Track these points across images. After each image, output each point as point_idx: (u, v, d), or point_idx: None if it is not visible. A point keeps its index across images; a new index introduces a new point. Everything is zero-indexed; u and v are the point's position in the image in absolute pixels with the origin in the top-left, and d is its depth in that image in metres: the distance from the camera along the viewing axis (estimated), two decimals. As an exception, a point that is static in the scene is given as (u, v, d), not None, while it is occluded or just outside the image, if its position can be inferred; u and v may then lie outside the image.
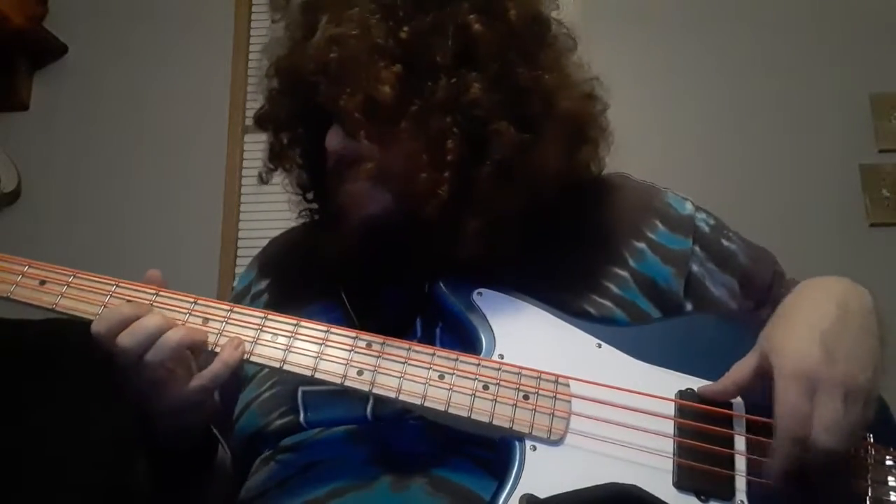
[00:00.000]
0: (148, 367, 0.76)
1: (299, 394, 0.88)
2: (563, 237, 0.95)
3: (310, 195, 1.03)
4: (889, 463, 0.78)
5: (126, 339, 0.76)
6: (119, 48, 2.89)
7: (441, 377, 0.80)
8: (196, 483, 0.91)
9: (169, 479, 0.90)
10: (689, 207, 1.00)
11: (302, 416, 0.87)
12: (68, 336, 0.81)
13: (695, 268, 0.95)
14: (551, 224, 0.93)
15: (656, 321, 0.90)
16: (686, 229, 0.97)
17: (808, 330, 0.76)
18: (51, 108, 2.85)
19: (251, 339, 0.81)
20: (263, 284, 1.05)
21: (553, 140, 0.89)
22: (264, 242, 1.16)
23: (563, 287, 0.90)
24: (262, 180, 1.01)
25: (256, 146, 2.79)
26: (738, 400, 0.80)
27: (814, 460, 0.71)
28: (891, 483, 0.77)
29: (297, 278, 1.03)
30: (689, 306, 0.95)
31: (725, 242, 0.99)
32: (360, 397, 0.84)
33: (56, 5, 2.85)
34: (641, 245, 0.95)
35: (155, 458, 0.88)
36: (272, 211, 2.53)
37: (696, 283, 0.95)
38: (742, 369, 0.79)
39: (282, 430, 0.88)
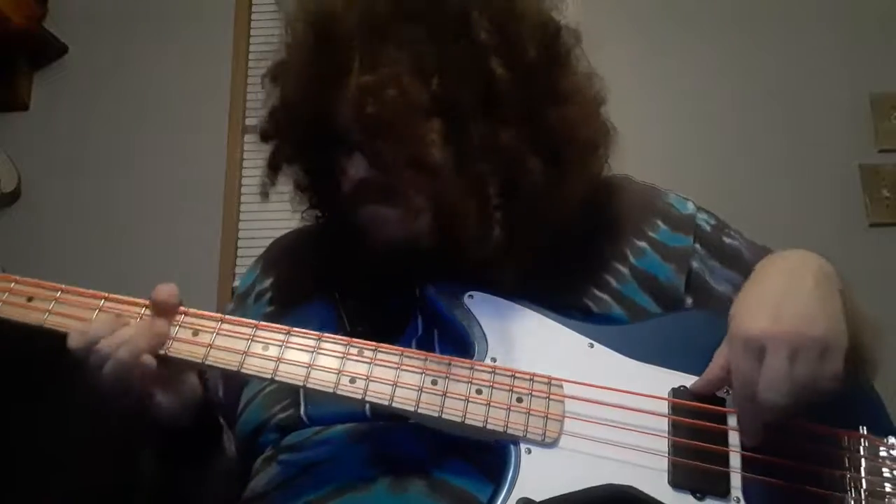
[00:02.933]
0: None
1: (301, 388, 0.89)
2: (565, 237, 0.94)
3: (310, 195, 1.03)
4: (883, 454, 0.79)
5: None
6: (119, 48, 2.89)
7: (434, 382, 0.79)
8: (203, 464, 0.92)
9: (176, 457, 0.90)
10: (690, 207, 1.01)
11: (303, 409, 0.88)
12: (66, 337, 0.82)
13: (695, 265, 0.96)
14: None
15: (648, 319, 0.90)
16: (687, 228, 0.98)
17: (757, 298, 0.79)
18: (51, 108, 2.85)
19: (241, 351, 0.81)
20: (267, 283, 1.05)
21: (575, 166, 0.91)
22: (264, 242, 1.16)
23: (561, 284, 0.90)
24: (265, 196, 0.99)
25: (257, 146, 2.80)
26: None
27: (767, 417, 0.74)
28: (885, 474, 0.77)
29: (300, 275, 1.03)
30: (689, 301, 0.95)
31: (728, 240, 1.00)
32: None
33: (56, 5, 2.85)
34: (642, 244, 0.96)
35: (159, 439, 0.89)
36: (272, 211, 2.54)
37: (696, 279, 0.96)
38: (720, 352, 0.80)
39: (283, 424, 0.89)
